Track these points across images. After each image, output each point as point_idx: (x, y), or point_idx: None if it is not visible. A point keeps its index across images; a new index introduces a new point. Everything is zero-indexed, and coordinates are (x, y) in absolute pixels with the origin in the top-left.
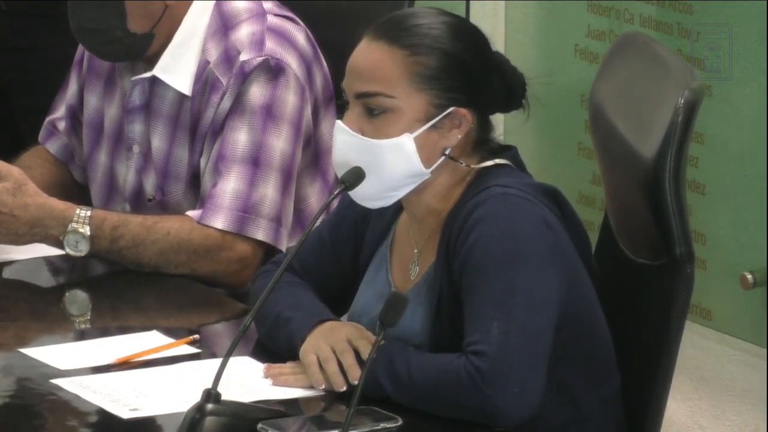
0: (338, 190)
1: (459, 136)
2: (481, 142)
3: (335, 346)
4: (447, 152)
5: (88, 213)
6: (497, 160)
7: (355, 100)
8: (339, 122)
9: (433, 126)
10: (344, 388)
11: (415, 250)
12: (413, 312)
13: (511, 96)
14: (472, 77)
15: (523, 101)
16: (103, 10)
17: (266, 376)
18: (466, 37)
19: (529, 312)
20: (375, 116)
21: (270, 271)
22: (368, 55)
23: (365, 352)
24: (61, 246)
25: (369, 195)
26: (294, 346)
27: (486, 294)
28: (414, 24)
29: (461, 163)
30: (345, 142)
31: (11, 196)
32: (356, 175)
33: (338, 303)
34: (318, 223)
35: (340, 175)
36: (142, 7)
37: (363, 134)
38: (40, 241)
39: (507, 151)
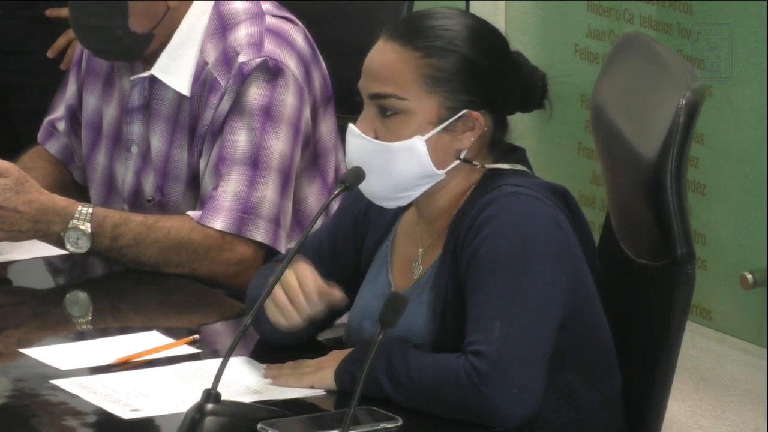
0: (338, 190)
1: (472, 139)
2: (495, 143)
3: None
4: (462, 156)
5: (90, 210)
6: (508, 165)
7: (369, 100)
8: (351, 126)
9: (445, 129)
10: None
11: (420, 250)
12: (415, 310)
13: (529, 96)
14: (485, 80)
15: (545, 101)
16: (105, 8)
17: (266, 377)
18: (482, 38)
19: (532, 313)
20: (388, 117)
21: (270, 268)
22: (382, 55)
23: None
24: (61, 242)
25: (381, 195)
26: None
27: (490, 293)
28: (429, 25)
29: (476, 165)
30: (356, 145)
31: (14, 193)
32: (356, 176)
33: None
34: (318, 224)
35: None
36: (144, 8)
37: (376, 135)
38: (41, 237)
39: (515, 152)
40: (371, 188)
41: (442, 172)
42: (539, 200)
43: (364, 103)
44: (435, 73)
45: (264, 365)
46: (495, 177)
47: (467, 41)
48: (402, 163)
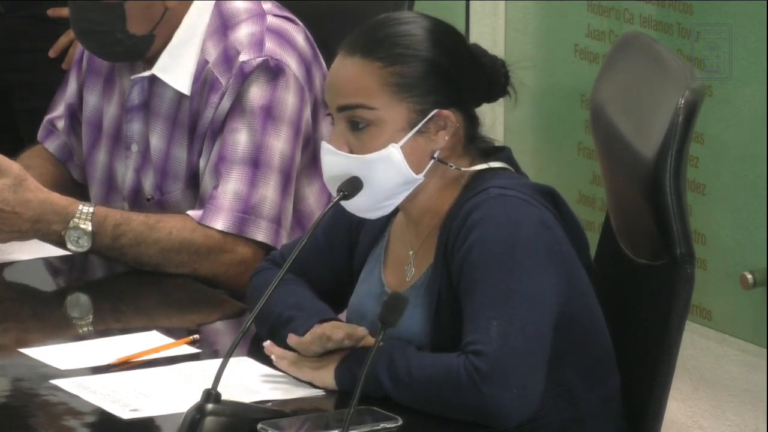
0: (336, 198)
1: (446, 138)
2: (471, 139)
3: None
4: (436, 155)
5: (91, 209)
6: (492, 164)
7: (338, 114)
8: (324, 143)
9: (418, 132)
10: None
11: (410, 252)
12: (411, 313)
13: (493, 86)
14: (450, 78)
15: (508, 89)
16: (103, 12)
17: (269, 353)
18: (440, 38)
19: (528, 312)
20: (360, 130)
21: (265, 269)
22: (345, 70)
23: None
24: (62, 241)
25: (365, 207)
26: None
27: (485, 294)
28: (386, 34)
29: (451, 166)
30: (333, 162)
31: (12, 193)
32: (353, 185)
33: (331, 301)
34: None
35: (332, 191)
36: (141, 10)
37: (350, 150)
38: (42, 237)
39: (500, 152)
40: (355, 202)
41: (420, 176)
42: (527, 202)
43: (333, 119)
44: (400, 80)
45: (268, 342)
46: (482, 179)
47: (426, 43)
48: (381, 173)
